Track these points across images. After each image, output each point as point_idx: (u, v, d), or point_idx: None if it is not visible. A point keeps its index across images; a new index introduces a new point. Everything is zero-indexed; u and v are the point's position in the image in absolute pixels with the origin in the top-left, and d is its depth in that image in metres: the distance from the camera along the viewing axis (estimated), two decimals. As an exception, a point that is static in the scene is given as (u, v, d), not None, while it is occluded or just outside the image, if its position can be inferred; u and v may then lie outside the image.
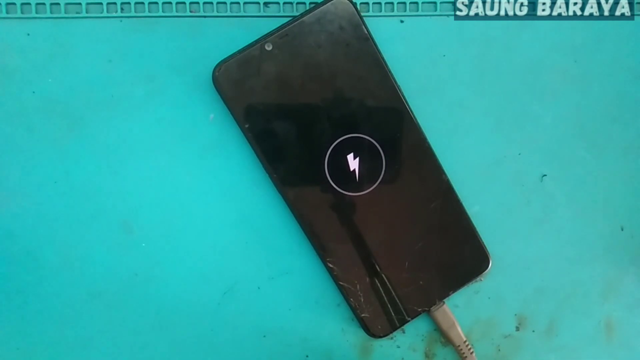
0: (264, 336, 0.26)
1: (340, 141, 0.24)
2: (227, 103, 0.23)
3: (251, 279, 0.25)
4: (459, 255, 0.25)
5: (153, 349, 0.25)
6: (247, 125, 0.23)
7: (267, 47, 0.23)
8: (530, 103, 0.25)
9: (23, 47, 0.24)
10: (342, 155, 0.24)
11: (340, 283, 0.24)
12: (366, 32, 0.23)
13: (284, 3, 0.25)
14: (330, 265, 0.24)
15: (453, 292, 0.24)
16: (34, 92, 0.25)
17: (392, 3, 0.25)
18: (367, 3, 0.25)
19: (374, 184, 0.24)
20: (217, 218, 0.25)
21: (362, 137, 0.24)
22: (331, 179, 0.24)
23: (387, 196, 0.24)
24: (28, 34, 0.24)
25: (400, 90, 0.24)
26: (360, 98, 0.23)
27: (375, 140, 0.24)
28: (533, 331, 0.26)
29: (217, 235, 0.25)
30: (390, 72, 0.23)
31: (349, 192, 0.24)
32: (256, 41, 0.23)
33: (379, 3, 0.25)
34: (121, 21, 0.25)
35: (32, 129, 0.25)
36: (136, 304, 0.25)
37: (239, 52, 0.23)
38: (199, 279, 0.25)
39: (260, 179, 0.25)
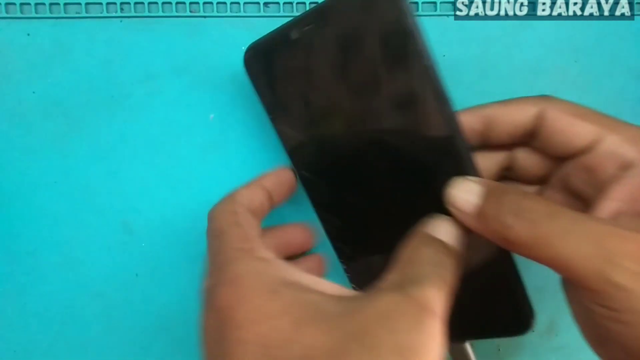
0: (264, 336, 0.26)
1: (362, 135, 0.21)
2: (256, 87, 0.22)
3: (251, 279, 0.25)
4: (494, 308, 0.22)
5: (153, 349, 0.25)
6: (273, 113, 0.22)
7: (295, 35, 0.21)
8: (530, 103, 0.25)
9: (23, 47, 0.24)
10: (364, 153, 0.21)
11: (353, 286, 0.23)
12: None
13: (284, 3, 0.25)
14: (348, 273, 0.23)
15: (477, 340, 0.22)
16: (34, 92, 0.25)
17: (392, 3, 0.25)
18: (367, 3, 0.25)
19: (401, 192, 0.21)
20: (217, 218, 0.25)
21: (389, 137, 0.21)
22: (351, 177, 0.22)
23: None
24: (28, 34, 0.24)
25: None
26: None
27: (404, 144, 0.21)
28: (533, 331, 0.26)
29: (217, 235, 0.25)
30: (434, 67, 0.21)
31: (376, 199, 0.22)
32: (287, 25, 0.21)
33: (379, 3, 0.25)
34: (121, 21, 0.25)
35: (31, 129, 0.25)
36: (136, 304, 0.25)
37: (270, 34, 0.21)
38: (199, 279, 0.25)
39: (260, 179, 0.25)
